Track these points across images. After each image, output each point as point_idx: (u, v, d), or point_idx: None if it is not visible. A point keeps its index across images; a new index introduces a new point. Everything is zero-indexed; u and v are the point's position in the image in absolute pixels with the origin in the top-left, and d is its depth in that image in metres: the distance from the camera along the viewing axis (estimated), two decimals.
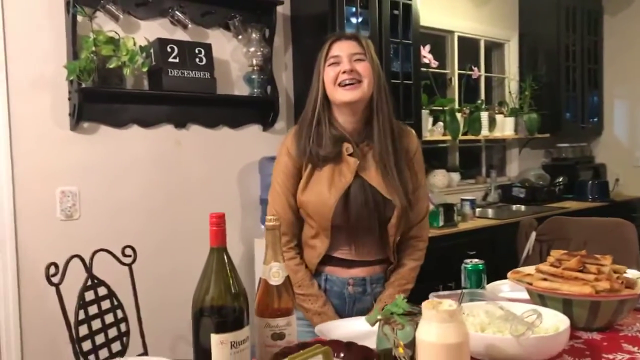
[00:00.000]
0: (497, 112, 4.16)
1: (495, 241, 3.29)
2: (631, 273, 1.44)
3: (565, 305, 1.31)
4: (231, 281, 1.06)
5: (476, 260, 1.60)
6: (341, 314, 1.63)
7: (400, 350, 1.07)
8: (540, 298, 1.36)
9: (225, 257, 1.07)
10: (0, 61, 2.25)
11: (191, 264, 1.81)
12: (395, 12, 3.25)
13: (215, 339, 1.02)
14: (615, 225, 2.44)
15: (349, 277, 1.62)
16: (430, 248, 3.03)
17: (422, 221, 1.71)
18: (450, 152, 4.29)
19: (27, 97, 2.33)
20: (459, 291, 1.50)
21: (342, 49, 1.57)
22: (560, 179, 4.52)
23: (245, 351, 1.05)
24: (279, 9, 3.09)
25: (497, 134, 4.19)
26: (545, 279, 1.35)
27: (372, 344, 1.09)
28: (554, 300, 1.32)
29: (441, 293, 1.49)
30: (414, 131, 1.73)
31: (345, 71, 1.53)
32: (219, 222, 1.07)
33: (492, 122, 4.09)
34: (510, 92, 4.54)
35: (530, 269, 1.46)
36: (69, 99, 2.40)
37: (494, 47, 4.70)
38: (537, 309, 1.18)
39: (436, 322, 0.97)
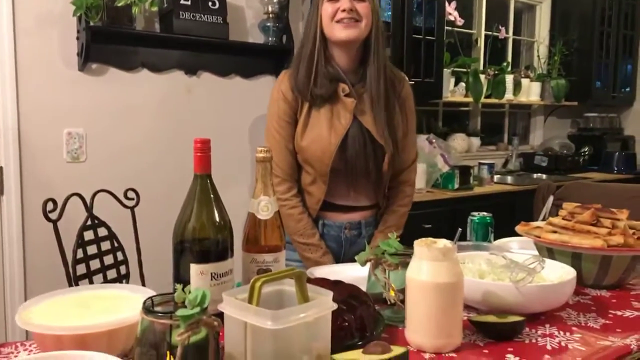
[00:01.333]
0: (523, 76, 4.00)
1: (512, 207, 3.20)
2: None
3: (574, 259, 1.23)
4: (215, 210, 1.00)
5: (484, 212, 1.53)
6: (337, 256, 1.63)
7: (392, 292, 1.01)
8: (549, 252, 1.28)
9: (209, 184, 1.01)
10: None
11: None
12: None
13: (195, 269, 0.97)
14: (637, 192, 2.32)
15: (346, 221, 1.62)
16: (443, 209, 3.00)
17: (410, 166, 1.70)
18: (472, 116, 4.15)
19: (34, 34, 2.27)
20: (463, 243, 1.44)
21: None
22: (586, 149, 4.36)
23: (227, 284, 1.00)
24: None
25: (522, 99, 4.03)
26: (555, 232, 1.27)
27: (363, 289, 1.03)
28: (563, 254, 1.24)
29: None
30: (406, 77, 1.69)
31: (345, 9, 1.48)
32: (203, 148, 1.01)
33: (517, 86, 3.93)
34: (539, 56, 4.35)
35: (540, 223, 1.38)
36: (77, 38, 2.34)
37: (525, 9, 4.49)
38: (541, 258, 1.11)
39: (428, 261, 0.90)
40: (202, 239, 0.99)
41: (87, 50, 2.30)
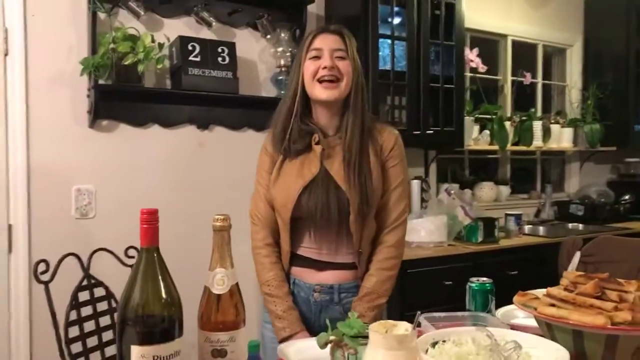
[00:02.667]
0: (552, 121, 3.84)
1: (541, 261, 3.00)
2: None
3: (576, 337, 1.08)
4: (162, 287, 0.93)
5: (484, 279, 1.41)
6: (307, 322, 1.56)
7: None
8: (548, 328, 1.14)
9: (156, 258, 0.94)
10: (21, 56, 2.25)
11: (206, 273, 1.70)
12: (437, 12, 3.06)
13: (135, 351, 0.90)
14: None
15: (316, 284, 1.57)
16: (465, 265, 2.84)
17: (393, 225, 1.59)
18: (501, 164, 4.00)
19: (46, 93, 2.33)
20: (458, 313, 1.31)
21: (324, 43, 1.54)
22: (627, 197, 4.11)
23: None
24: (312, 8, 2.98)
25: (553, 145, 3.86)
26: (553, 305, 1.13)
27: None
28: (563, 331, 1.10)
29: (435, 315, 1.30)
30: (396, 131, 1.65)
31: (326, 67, 1.50)
32: (150, 219, 0.95)
33: (546, 133, 3.78)
34: (570, 100, 4.19)
35: (541, 292, 1.24)
36: (88, 96, 2.38)
37: (555, 53, 4.37)
38: (525, 339, 0.98)
39: (382, 349, 0.80)
40: (145, 318, 0.91)
41: (96, 107, 2.33)
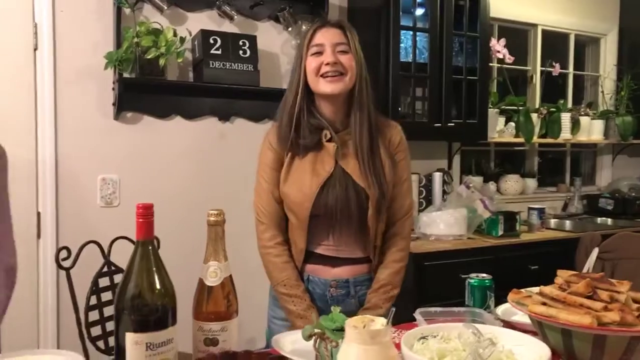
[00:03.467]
0: (582, 113, 3.75)
1: (564, 256, 2.95)
2: None
3: (565, 336, 1.09)
4: (156, 278, 0.98)
5: (483, 275, 1.42)
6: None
7: None
8: (539, 326, 1.15)
9: (151, 251, 0.99)
10: (50, 51, 2.35)
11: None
12: (461, 2, 3.02)
13: (130, 338, 0.95)
14: None
15: (332, 279, 1.57)
16: (485, 258, 2.82)
17: (404, 217, 1.64)
18: (528, 156, 3.94)
19: (73, 86, 2.42)
20: (454, 309, 1.33)
21: (326, 37, 1.53)
22: None
23: (165, 354, 0.97)
24: (336, 0, 2.99)
25: (582, 137, 3.78)
26: (544, 303, 1.14)
27: None
28: (553, 329, 1.11)
29: (431, 309, 1.32)
30: (399, 126, 1.66)
31: (329, 63, 1.50)
32: (145, 214, 1.00)
33: (575, 125, 3.69)
34: (603, 91, 4.07)
35: (535, 289, 1.25)
36: (113, 89, 2.46)
37: (589, 42, 4.25)
38: (512, 337, 0.99)
39: (356, 344, 0.83)
40: (140, 307, 0.96)
41: (121, 100, 2.41)
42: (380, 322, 0.86)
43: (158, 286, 0.98)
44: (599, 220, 3.75)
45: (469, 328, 1.06)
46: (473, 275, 1.41)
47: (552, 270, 3.11)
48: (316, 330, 0.96)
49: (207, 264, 1.04)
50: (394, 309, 0.90)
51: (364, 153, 1.52)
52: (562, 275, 1.20)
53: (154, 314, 0.97)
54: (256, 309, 2.02)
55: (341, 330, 0.94)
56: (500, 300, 1.44)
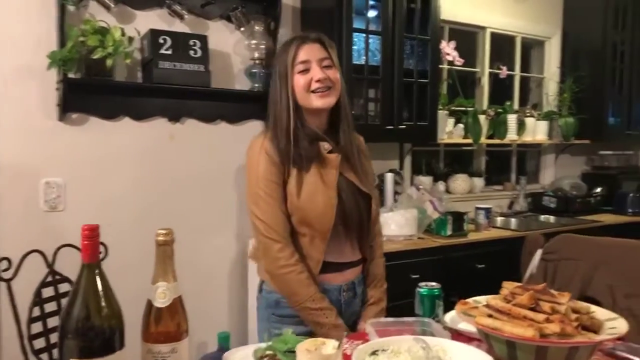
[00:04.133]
0: (527, 114, 3.88)
1: (509, 254, 3.05)
2: (601, 313, 1.25)
3: (509, 347, 1.13)
4: (102, 301, 0.96)
5: (432, 283, 1.45)
6: None
7: None
8: (486, 337, 1.19)
9: (97, 274, 0.96)
10: None
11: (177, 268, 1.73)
12: (413, 5, 3.06)
13: None
14: (631, 248, 2.17)
15: (343, 283, 1.64)
16: (434, 258, 2.89)
17: (377, 217, 1.79)
18: (476, 156, 4.04)
19: (14, 86, 2.32)
20: (404, 319, 1.35)
21: (310, 54, 1.58)
22: (599, 190, 4.17)
23: None
24: (289, 1, 2.98)
25: (527, 138, 3.90)
26: (490, 315, 1.18)
27: None
28: (498, 341, 1.15)
29: (382, 320, 1.34)
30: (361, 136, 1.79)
31: (319, 79, 1.56)
32: (91, 235, 0.96)
33: (521, 126, 3.82)
34: (547, 93, 4.22)
35: (483, 299, 1.29)
36: (57, 89, 2.37)
37: (535, 45, 4.39)
38: (457, 348, 1.02)
39: None
40: (85, 332, 0.94)
41: (66, 100, 2.33)
42: (331, 346, 0.86)
43: (104, 310, 0.95)
44: (542, 218, 3.90)
45: (418, 342, 1.08)
46: (422, 284, 1.44)
47: (499, 269, 3.23)
48: (267, 352, 0.96)
49: (155, 284, 1.02)
50: (346, 334, 0.91)
51: (356, 161, 1.63)
52: (507, 286, 1.25)
53: (100, 338, 0.94)
54: (204, 312, 2.00)
55: (292, 352, 0.94)
56: (449, 301, 1.48)
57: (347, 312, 1.65)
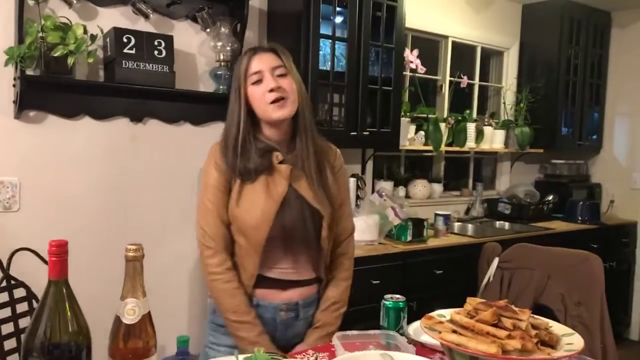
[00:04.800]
0: (486, 123, 3.98)
1: (467, 260, 3.13)
2: (558, 328, 1.30)
3: None
4: (68, 318, 0.94)
5: (397, 296, 1.48)
6: (273, 341, 1.56)
7: None
8: (450, 352, 1.22)
9: (64, 291, 0.95)
10: None
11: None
12: (378, 13, 3.09)
13: None
14: (582, 259, 2.27)
15: (282, 302, 1.56)
16: (394, 264, 2.94)
17: (349, 238, 1.70)
18: (435, 162, 4.13)
19: None
20: (370, 332, 1.38)
21: (262, 63, 1.54)
22: (550, 197, 4.33)
23: None
24: (256, 3, 2.97)
25: (485, 146, 4.01)
26: (455, 331, 1.21)
27: None
28: (462, 356, 1.18)
29: (349, 333, 1.36)
30: (337, 149, 1.71)
31: (272, 89, 1.51)
32: (59, 252, 0.94)
33: (480, 134, 3.92)
34: (504, 102, 4.35)
35: (448, 313, 1.32)
36: (14, 85, 2.29)
37: (494, 54, 4.51)
38: None
39: None
40: (51, 350, 0.92)
41: (23, 97, 2.25)
42: None
43: (72, 328, 0.94)
44: (497, 224, 4.02)
45: (384, 358, 1.10)
46: (388, 296, 1.47)
47: (456, 275, 3.29)
48: None
49: (124, 300, 1.01)
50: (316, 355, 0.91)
51: (313, 174, 1.54)
52: (471, 302, 1.28)
53: (66, 356, 0.93)
54: (163, 315, 1.97)
55: None
56: (411, 310, 1.50)
57: (288, 334, 1.59)
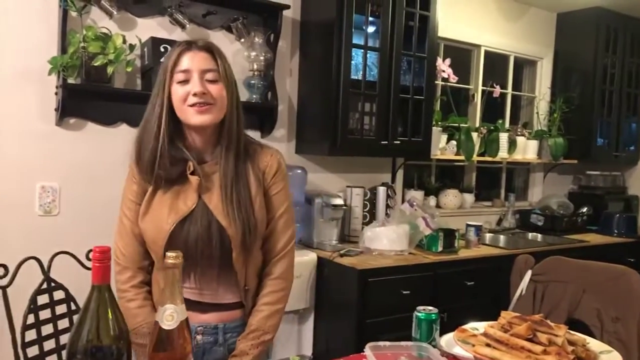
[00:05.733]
0: (519, 133, 3.94)
1: (498, 271, 3.10)
2: (596, 345, 1.28)
3: None
4: (110, 322, 0.97)
5: (430, 308, 1.47)
6: None
7: None
8: None
9: (107, 296, 0.98)
10: None
11: None
12: (411, 23, 3.10)
13: None
14: (619, 274, 2.22)
15: (198, 325, 1.43)
16: (425, 274, 2.92)
17: (278, 257, 1.51)
18: (467, 172, 4.09)
19: (13, 89, 2.31)
20: (402, 343, 1.38)
21: (192, 63, 1.38)
22: (585, 209, 4.24)
23: None
24: (289, 13, 3.00)
25: (518, 156, 3.96)
26: (488, 345, 1.20)
27: None
28: None
29: (381, 344, 1.36)
30: (279, 152, 1.54)
31: (197, 93, 1.36)
32: (102, 258, 0.97)
33: (512, 144, 3.87)
34: (537, 112, 4.29)
35: (481, 326, 1.31)
36: (56, 93, 2.36)
37: (526, 64, 4.46)
38: None
39: None
40: (95, 350, 0.95)
41: (64, 105, 2.32)
42: None
43: (113, 332, 0.97)
44: (529, 235, 3.96)
45: None
46: (420, 308, 1.46)
47: (487, 287, 3.25)
48: None
49: (163, 306, 1.03)
50: None
51: (228, 187, 1.39)
52: (505, 316, 1.27)
53: (108, 359, 0.95)
54: None
55: None
56: (442, 322, 1.48)
57: (205, 359, 1.46)
